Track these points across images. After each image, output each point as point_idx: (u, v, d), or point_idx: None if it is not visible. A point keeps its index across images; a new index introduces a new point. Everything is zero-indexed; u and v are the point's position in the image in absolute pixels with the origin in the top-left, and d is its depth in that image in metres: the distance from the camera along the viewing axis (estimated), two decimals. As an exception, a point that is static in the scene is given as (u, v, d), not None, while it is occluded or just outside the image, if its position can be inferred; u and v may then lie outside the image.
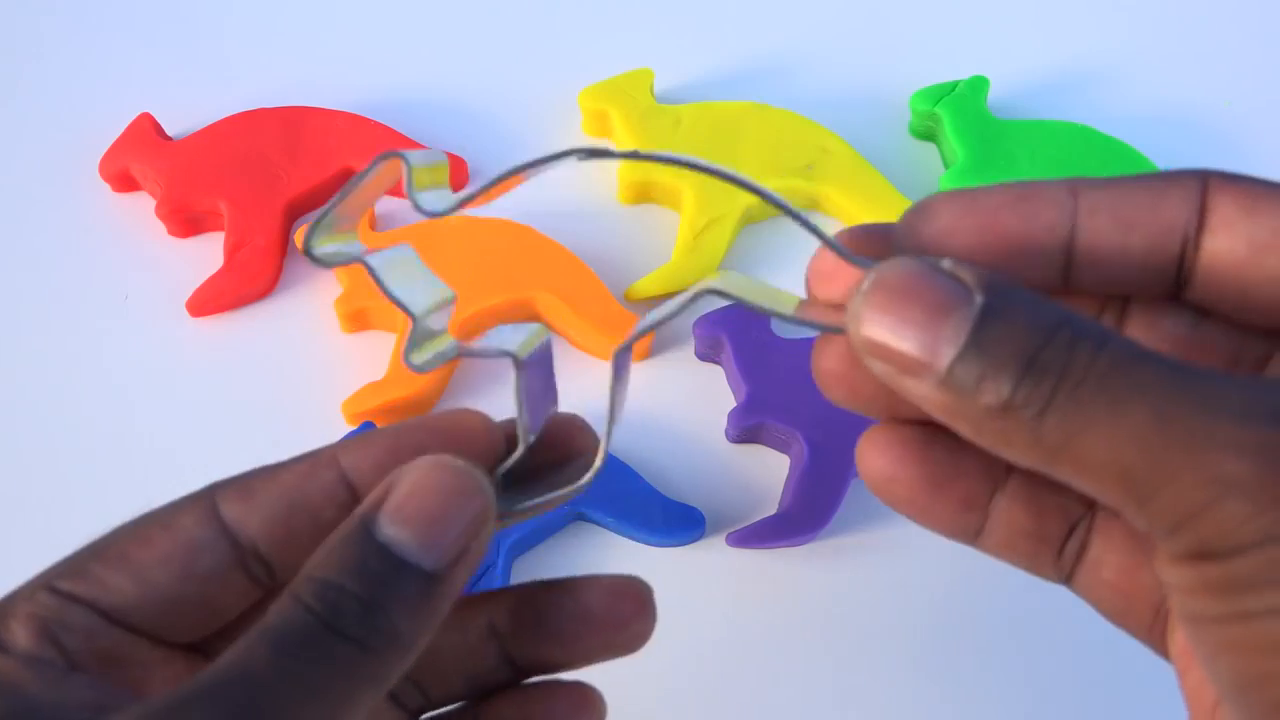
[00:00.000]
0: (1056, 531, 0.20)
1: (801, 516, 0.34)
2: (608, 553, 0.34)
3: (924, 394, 0.16)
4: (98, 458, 0.36)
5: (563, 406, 0.37)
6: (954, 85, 0.43)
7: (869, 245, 0.19)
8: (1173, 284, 0.18)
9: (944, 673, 0.33)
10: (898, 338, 0.16)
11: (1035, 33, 0.47)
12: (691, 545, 0.34)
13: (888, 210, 0.40)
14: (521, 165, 0.18)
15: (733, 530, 0.34)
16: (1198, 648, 0.16)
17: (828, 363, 0.19)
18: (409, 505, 0.18)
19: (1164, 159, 0.41)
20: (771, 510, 0.35)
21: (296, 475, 0.20)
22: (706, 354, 0.38)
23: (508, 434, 0.21)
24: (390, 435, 0.20)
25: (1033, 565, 0.20)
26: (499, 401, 0.37)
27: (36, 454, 0.36)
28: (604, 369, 0.38)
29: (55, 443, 0.36)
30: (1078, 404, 0.15)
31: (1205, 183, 0.17)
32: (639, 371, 0.38)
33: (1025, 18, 0.48)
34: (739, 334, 0.36)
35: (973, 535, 0.20)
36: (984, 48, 0.46)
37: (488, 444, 0.21)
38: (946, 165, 0.43)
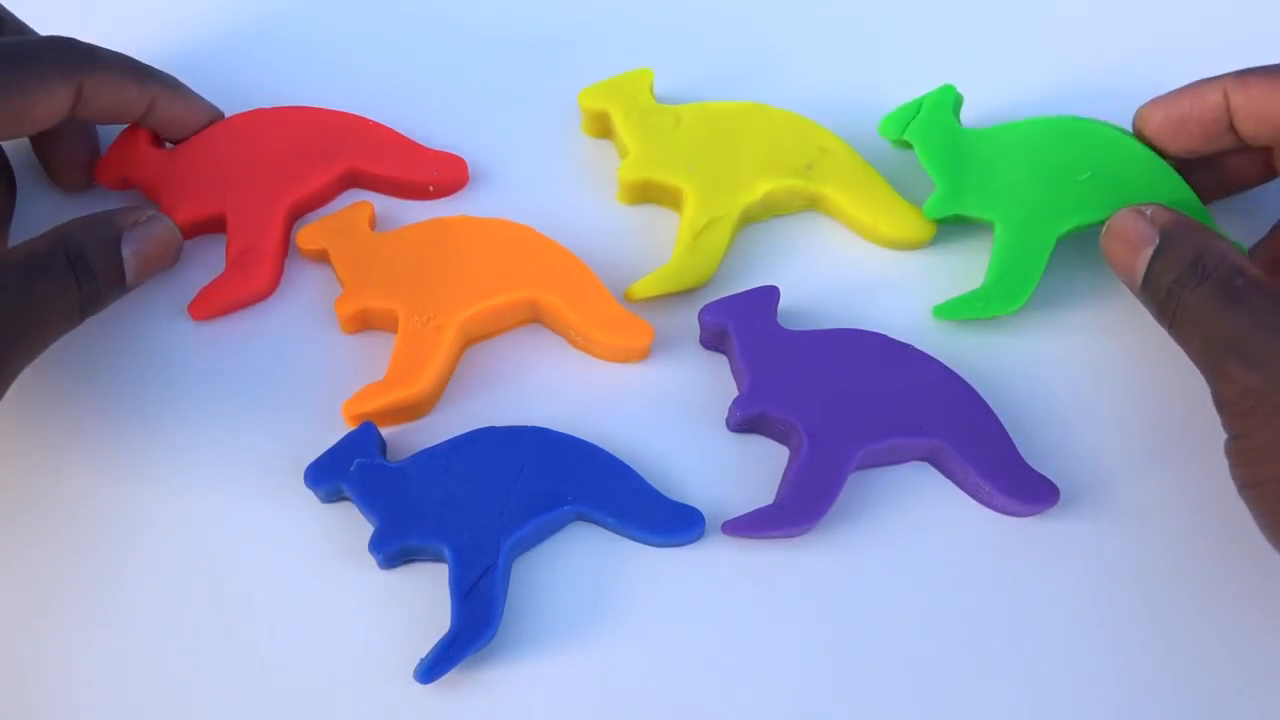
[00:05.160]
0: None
1: (797, 506, 0.34)
2: (608, 553, 0.34)
3: (1129, 284, 0.34)
4: (97, 458, 0.36)
5: (562, 407, 0.37)
6: (918, 106, 0.40)
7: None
8: None
9: (941, 665, 0.33)
10: (1118, 257, 0.34)
11: (1035, 33, 0.47)
12: (692, 544, 0.34)
13: (887, 210, 0.40)
14: None
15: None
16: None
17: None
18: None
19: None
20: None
21: None
22: (711, 343, 0.38)
23: None
24: None
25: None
26: (498, 401, 0.37)
27: (35, 454, 0.36)
28: (603, 369, 0.38)
29: (54, 443, 0.36)
30: (1189, 304, 0.32)
31: None
32: (642, 361, 0.38)
33: (1025, 18, 0.48)
34: (744, 323, 0.36)
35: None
36: (984, 48, 0.47)
37: None
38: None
